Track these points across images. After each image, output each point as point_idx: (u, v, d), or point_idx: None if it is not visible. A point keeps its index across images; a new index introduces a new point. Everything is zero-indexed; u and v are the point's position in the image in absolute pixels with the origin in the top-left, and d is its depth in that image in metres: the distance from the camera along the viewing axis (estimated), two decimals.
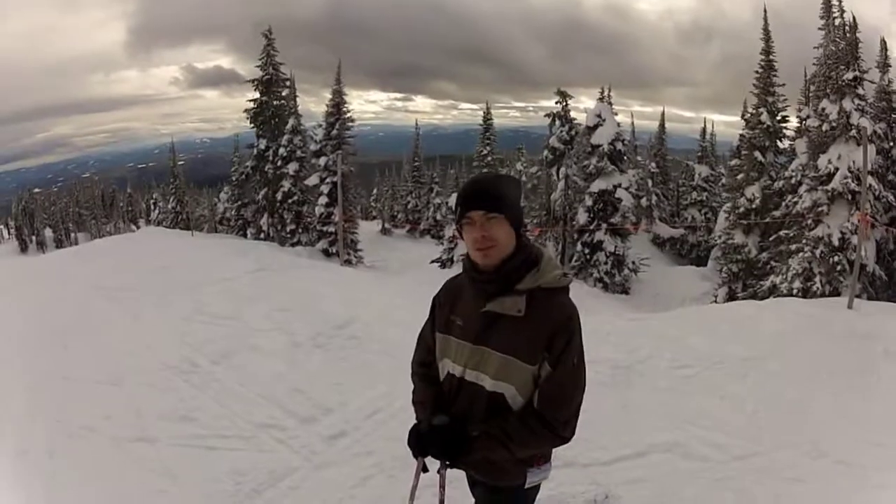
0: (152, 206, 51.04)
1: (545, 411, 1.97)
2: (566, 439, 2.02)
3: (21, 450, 4.53)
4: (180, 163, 41.95)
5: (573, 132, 21.32)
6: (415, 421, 2.22)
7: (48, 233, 54.80)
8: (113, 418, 5.04)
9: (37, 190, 65.21)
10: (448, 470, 2.11)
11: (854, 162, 13.83)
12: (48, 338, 7.19)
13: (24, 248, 51.26)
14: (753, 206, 18.44)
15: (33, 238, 53.47)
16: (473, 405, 2.04)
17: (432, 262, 24.45)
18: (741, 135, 19.93)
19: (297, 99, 24.14)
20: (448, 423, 2.03)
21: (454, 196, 30.13)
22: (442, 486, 2.10)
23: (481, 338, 2.02)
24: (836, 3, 15.63)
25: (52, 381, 5.90)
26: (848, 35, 14.92)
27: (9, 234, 58.99)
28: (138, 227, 50.69)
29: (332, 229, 21.63)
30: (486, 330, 2.01)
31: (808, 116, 16.47)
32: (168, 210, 39.55)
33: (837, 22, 15.51)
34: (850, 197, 14.00)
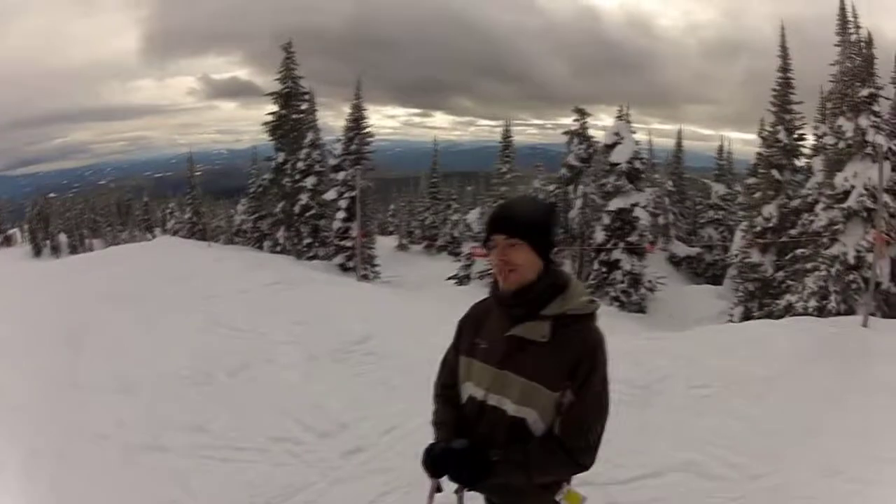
0: (168, 216, 51.41)
1: (566, 439, 1.95)
2: (586, 467, 1.99)
3: (32, 450, 4.54)
4: (197, 173, 42.29)
5: (591, 150, 21.40)
6: (431, 440, 2.20)
7: (63, 238, 54.70)
8: (125, 426, 5.07)
9: (52, 194, 65.11)
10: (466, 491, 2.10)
11: (870, 179, 13.80)
12: (61, 342, 7.27)
13: (37, 253, 51.27)
14: (770, 224, 18.34)
15: (47, 242, 53.40)
16: (494, 429, 2.03)
17: (449, 278, 24.50)
18: (758, 153, 19.86)
19: (316, 112, 24.33)
20: (468, 446, 2.01)
21: (472, 213, 30.23)
22: None
23: (505, 362, 2.01)
24: (852, 20, 15.64)
25: (64, 385, 5.97)
26: (864, 51, 14.88)
27: (23, 237, 59.08)
28: (154, 237, 50.97)
29: (349, 244, 21.71)
30: (511, 355, 2.00)
31: (824, 134, 16.42)
32: (184, 220, 39.73)
33: (853, 38, 15.51)
34: (865, 215, 13.93)
